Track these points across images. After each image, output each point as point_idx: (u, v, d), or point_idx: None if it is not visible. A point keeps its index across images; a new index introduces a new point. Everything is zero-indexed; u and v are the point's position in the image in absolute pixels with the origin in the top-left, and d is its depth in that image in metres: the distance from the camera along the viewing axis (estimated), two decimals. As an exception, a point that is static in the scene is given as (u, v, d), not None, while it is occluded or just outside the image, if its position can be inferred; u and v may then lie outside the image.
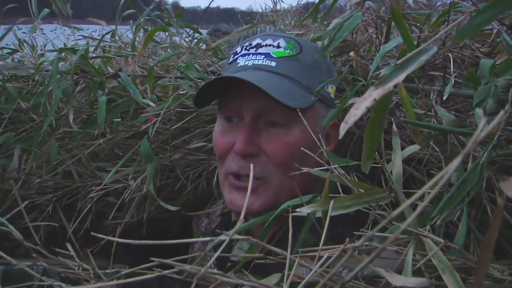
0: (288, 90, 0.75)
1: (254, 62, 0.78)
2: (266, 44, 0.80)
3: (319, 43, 0.96)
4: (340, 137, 0.41)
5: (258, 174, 0.76)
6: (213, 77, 1.01)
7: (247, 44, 0.82)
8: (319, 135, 0.74)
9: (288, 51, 0.79)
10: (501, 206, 0.34)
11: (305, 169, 0.60)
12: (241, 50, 0.82)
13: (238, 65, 0.80)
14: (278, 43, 0.79)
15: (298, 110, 0.72)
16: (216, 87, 0.78)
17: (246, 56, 0.80)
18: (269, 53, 0.79)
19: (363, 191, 0.56)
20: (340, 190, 0.60)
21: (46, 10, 1.35)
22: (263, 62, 0.78)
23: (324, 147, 0.79)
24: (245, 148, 0.75)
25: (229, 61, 0.84)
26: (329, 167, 0.59)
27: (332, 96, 0.84)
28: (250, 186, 0.46)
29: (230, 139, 0.79)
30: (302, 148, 0.70)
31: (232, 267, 0.56)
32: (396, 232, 0.31)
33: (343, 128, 0.40)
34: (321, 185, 0.57)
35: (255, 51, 0.80)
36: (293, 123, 0.76)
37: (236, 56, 0.83)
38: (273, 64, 0.77)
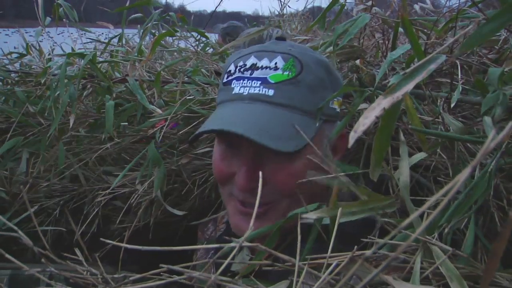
0: (286, 127, 0.70)
1: (250, 91, 0.72)
2: (262, 66, 0.73)
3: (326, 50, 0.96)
4: (349, 146, 0.40)
5: (266, 200, 0.73)
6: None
7: (241, 63, 0.75)
8: (326, 148, 0.74)
9: (287, 72, 0.72)
10: None
11: (313, 178, 0.60)
12: (235, 70, 0.76)
13: (233, 92, 0.74)
14: (276, 63, 0.73)
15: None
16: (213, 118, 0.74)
17: (241, 81, 0.74)
18: (266, 77, 0.72)
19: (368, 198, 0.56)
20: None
21: (49, 19, 1.37)
22: (259, 90, 0.72)
23: (332, 158, 0.77)
24: (247, 185, 0.72)
25: (223, 81, 0.78)
26: (336, 174, 0.59)
27: (338, 109, 0.79)
28: (255, 212, 0.46)
29: (231, 168, 0.75)
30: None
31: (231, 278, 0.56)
32: (407, 241, 0.31)
33: (352, 137, 0.39)
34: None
35: (250, 74, 0.73)
36: (297, 153, 0.71)
37: (230, 78, 0.76)
38: (271, 92, 0.71)
